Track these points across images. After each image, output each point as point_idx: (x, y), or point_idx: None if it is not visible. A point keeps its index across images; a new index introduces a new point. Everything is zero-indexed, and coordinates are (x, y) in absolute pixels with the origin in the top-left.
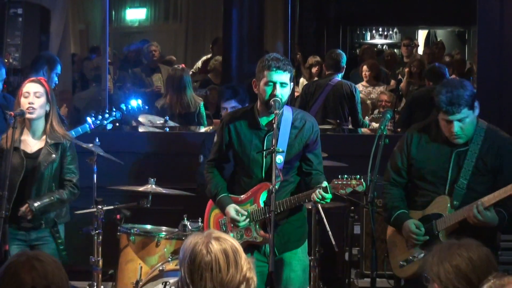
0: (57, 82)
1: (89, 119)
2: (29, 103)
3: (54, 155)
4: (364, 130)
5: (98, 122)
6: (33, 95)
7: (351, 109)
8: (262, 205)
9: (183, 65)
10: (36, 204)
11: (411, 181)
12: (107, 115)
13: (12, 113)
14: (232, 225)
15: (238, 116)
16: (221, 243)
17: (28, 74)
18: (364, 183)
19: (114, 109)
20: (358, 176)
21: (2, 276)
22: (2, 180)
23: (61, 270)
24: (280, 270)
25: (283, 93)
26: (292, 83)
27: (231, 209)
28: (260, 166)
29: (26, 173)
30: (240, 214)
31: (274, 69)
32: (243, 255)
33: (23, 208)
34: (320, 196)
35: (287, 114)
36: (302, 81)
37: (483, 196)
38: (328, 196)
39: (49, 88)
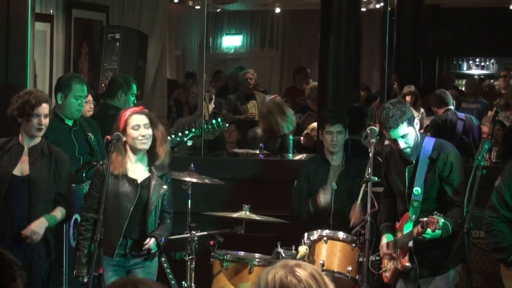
0: (135, 102)
1: (169, 137)
2: (142, 136)
3: (165, 186)
4: None
5: (178, 139)
6: (143, 127)
7: None
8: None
9: (277, 95)
10: (162, 239)
11: None
12: (186, 132)
13: (109, 137)
14: None
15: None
16: (305, 268)
17: (105, 99)
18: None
19: (193, 126)
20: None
21: None
22: (96, 205)
23: None
24: None
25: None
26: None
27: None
28: (403, 197)
29: (138, 202)
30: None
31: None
32: (325, 275)
33: (150, 242)
34: (418, 231)
35: (427, 146)
36: None
37: None
38: (427, 232)
39: (149, 114)
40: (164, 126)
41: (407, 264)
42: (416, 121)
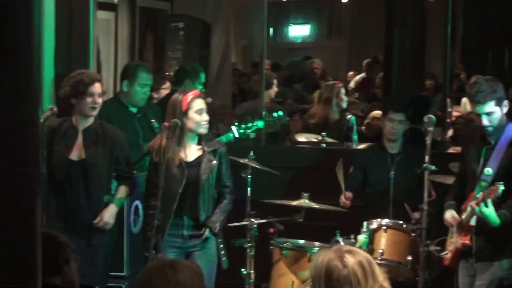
0: (203, 91)
1: (233, 128)
2: (205, 120)
3: (214, 161)
4: None
5: (242, 131)
6: (204, 112)
7: None
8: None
9: (337, 82)
10: (217, 226)
11: None
12: (250, 124)
13: (166, 124)
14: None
15: None
16: (355, 255)
17: (172, 86)
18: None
19: (257, 119)
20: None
21: (139, 281)
22: (156, 190)
23: (198, 281)
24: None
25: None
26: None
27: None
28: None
29: (187, 182)
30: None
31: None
32: (377, 265)
33: (205, 233)
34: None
35: (510, 131)
36: (465, 101)
37: None
38: (488, 204)
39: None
40: (228, 115)
41: (467, 242)
42: (506, 103)
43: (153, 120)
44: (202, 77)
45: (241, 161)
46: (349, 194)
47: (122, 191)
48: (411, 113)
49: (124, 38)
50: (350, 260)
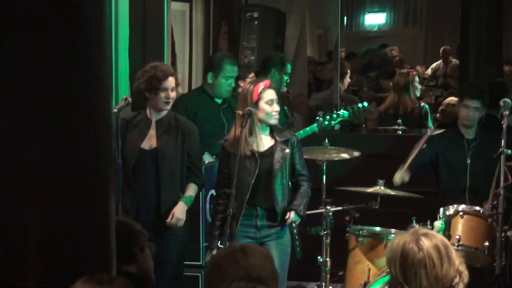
0: (288, 81)
1: (318, 119)
2: (275, 111)
3: (287, 150)
4: None
5: (326, 122)
6: (275, 102)
7: None
8: None
9: (411, 70)
10: (301, 208)
11: None
12: (335, 116)
13: (240, 112)
14: None
15: None
16: (431, 239)
17: (258, 76)
18: None
19: (342, 110)
20: None
21: (209, 267)
22: (231, 178)
23: (269, 264)
24: None
25: None
26: None
27: None
28: None
29: (260, 173)
30: None
31: None
32: (453, 249)
33: (291, 215)
34: None
35: None
36: None
37: None
38: None
39: None
40: (304, 104)
41: None
42: None
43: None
44: (289, 67)
45: (316, 151)
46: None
47: (191, 188)
48: (488, 100)
49: (199, 29)
50: (426, 243)
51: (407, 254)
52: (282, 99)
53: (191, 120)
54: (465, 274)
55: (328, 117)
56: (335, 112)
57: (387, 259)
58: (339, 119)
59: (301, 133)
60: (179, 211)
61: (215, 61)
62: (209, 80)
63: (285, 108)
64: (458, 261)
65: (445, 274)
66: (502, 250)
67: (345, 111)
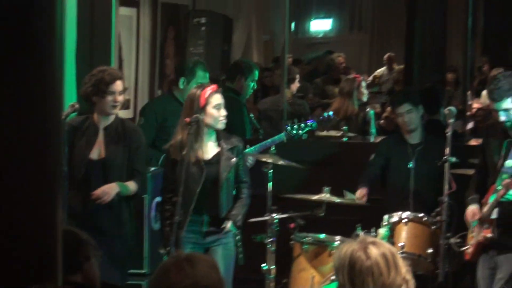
0: (255, 87)
1: (286, 128)
2: (222, 116)
3: (234, 159)
4: None
5: (294, 131)
6: (222, 107)
7: None
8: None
9: (357, 76)
10: (239, 218)
11: None
12: (303, 125)
13: (187, 119)
14: None
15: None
16: (378, 247)
17: (225, 81)
18: None
19: (310, 119)
20: None
21: (155, 276)
22: (176, 185)
23: (215, 273)
24: None
25: None
26: None
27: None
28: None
29: (206, 181)
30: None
31: None
32: (400, 258)
33: (228, 226)
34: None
35: None
36: (485, 93)
37: None
38: (509, 193)
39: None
40: (252, 109)
41: (489, 235)
42: None
43: None
44: (256, 74)
45: (263, 159)
46: (361, 192)
47: (132, 182)
48: (418, 100)
49: (146, 34)
50: (373, 251)
51: (355, 262)
52: (248, 106)
53: (159, 125)
54: (412, 282)
55: (296, 126)
56: (303, 122)
57: (335, 267)
58: (307, 129)
59: (269, 141)
60: (108, 186)
61: (188, 67)
62: (181, 86)
63: (251, 115)
64: (404, 269)
65: (392, 282)
66: (445, 257)
67: (314, 121)
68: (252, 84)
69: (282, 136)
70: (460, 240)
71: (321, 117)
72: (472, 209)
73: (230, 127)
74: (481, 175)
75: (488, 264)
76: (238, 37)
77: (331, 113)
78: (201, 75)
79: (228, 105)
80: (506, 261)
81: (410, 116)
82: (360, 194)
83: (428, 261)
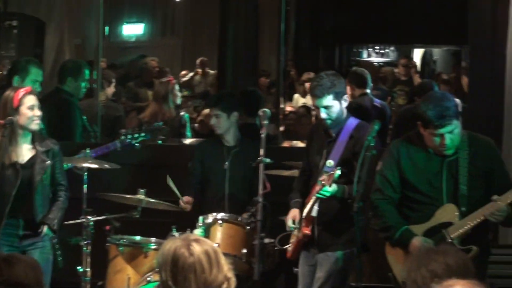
0: (87, 87)
1: (121, 137)
2: (36, 116)
3: (48, 162)
4: None
5: (128, 141)
6: (36, 108)
7: None
8: None
9: (171, 79)
10: (55, 222)
11: (402, 195)
12: (137, 135)
13: (1, 122)
14: None
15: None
16: (201, 244)
17: (56, 83)
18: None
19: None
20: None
21: None
22: None
23: (33, 274)
24: None
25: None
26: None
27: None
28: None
29: (21, 184)
30: None
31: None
32: (222, 256)
33: (44, 230)
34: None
35: (350, 125)
36: (297, 97)
37: (483, 199)
38: (324, 189)
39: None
40: None
41: (307, 232)
42: (346, 97)
43: None
44: (86, 73)
45: (77, 165)
46: (188, 198)
47: None
48: (231, 104)
49: None
50: (196, 248)
51: (178, 258)
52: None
53: None
54: (233, 280)
55: (130, 136)
56: (137, 131)
57: (158, 264)
58: (141, 139)
59: (104, 148)
60: None
61: (21, 64)
62: (15, 84)
63: (85, 118)
64: (226, 268)
65: (213, 279)
66: (260, 257)
67: (147, 133)
68: (84, 84)
69: (116, 144)
70: (273, 240)
71: (151, 127)
72: (292, 213)
73: (60, 129)
74: (305, 176)
75: (308, 261)
76: (50, 41)
77: (161, 123)
78: (35, 72)
79: (60, 107)
80: (325, 259)
81: (218, 121)
82: (186, 200)
83: (243, 261)
